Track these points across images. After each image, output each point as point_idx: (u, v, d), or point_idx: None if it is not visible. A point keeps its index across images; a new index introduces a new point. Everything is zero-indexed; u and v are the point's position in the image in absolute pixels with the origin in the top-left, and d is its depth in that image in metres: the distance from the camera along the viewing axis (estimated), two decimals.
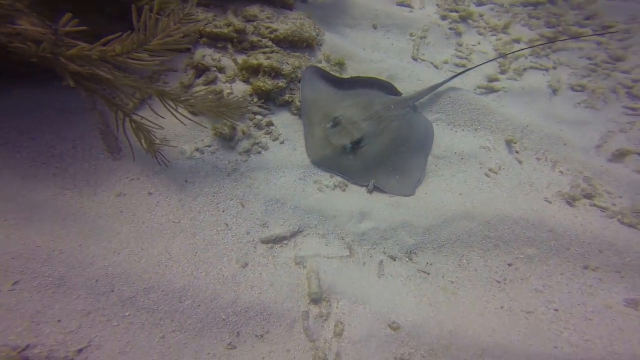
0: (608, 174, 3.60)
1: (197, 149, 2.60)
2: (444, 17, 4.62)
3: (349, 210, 2.65)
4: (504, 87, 4.18)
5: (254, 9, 3.22)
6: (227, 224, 2.40)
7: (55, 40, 1.80)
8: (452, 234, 2.75)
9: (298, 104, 2.95)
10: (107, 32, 2.39)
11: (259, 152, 2.76)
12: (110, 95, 2.13)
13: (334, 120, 2.81)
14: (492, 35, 4.84)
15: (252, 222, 2.47)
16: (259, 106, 2.89)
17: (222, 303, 2.05)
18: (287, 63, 2.91)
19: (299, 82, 3.01)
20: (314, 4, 3.80)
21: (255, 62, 2.81)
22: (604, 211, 3.31)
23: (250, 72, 2.88)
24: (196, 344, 1.95)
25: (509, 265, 2.76)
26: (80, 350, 1.69)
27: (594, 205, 3.34)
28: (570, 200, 3.29)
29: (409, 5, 4.54)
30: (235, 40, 3.06)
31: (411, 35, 4.20)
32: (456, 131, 3.54)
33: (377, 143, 2.86)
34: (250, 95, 2.88)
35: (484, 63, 4.11)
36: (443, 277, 2.60)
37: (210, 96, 2.20)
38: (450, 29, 4.48)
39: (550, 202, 3.22)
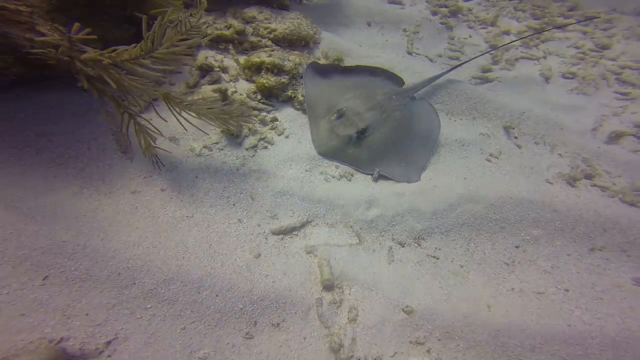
0: (605, 155, 3.68)
1: (205, 146, 2.66)
2: (434, 13, 4.76)
3: (356, 199, 2.71)
4: (498, 77, 4.29)
5: (252, 11, 3.32)
6: (238, 218, 2.46)
7: (70, 45, 1.88)
8: (459, 217, 2.80)
9: (301, 98, 3.03)
10: (115, 35, 2.50)
11: (266, 147, 2.83)
12: (120, 97, 2.20)
13: (338, 112, 2.90)
14: (482, 28, 5.00)
15: (262, 214, 2.53)
16: (263, 103, 2.96)
17: (238, 293, 2.10)
18: (289, 60, 2.99)
19: (301, 77, 3.09)
20: (309, 5, 3.90)
21: (257, 60, 2.89)
22: (604, 190, 3.38)
23: (253, 70, 2.96)
24: (216, 334, 1.98)
25: (516, 247, 2.80)
26: (108, 343, 1.74)
27: (595, 185, 3.42)
28: (571, 181, 3.36)
29: (400, 3, 4.66)
30: (236, 41, 3.15)
31: (404, 31, 4.31)
32: (455, 120, 3.62)
33: (381, 132, 2.94)
34: (254, 92, 2.95)
35: (482, 54, 4.21)
36: (452, 261, 2.64)
37: (213, 103, 2.26)
38: (441, 23, 4.61)
39: (552, 184, 3.29)
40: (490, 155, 3.38)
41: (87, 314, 1.76)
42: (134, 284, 1.91)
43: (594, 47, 5.06)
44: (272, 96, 3.04)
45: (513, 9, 5.52)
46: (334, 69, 3.27)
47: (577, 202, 3.11)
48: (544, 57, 4.77)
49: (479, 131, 3.58)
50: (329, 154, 2.88)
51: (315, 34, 3.48)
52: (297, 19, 3.39)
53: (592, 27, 5.38)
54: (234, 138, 2.78)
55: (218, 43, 3.13)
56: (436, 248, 2.69)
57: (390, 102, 3.09)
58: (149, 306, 1.90)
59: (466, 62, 3.94)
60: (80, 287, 1.83)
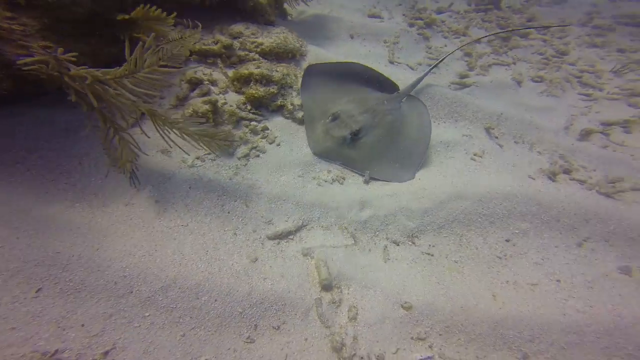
0: (579, 151, 3.88)
1: (198, 157, 2.69)
2: (411, 25, 5.07)
3: (349, 201, 2.76)
4: (475, 82, 4.53)
5: (239, 27, 3.43)
6: (234, 225, 2.47)
7: (57, 63, 1.93)
8: (449, 214, 2.88)
9: (290, 107, 3.12)
10: (103, 52, 2.55)
11: (258, 156, 2.88)
12: (107, 112, 2.23)
13: (333, 115, 3.03)
14: (455, 37, 5.36)
15: (257, 221, 2.55)
16: (253, 113, 3.03)
17: (237, 296, 2.09)
18: (276, 70, 3.09)
19: (290, 87, 3.19)
20: (294, 21, 4.07)
21: (246, 71, 2.98)
22: (582, 184, 3.54)
23: (242, 82, 3.05)
24: (216, 339, 1.96)
25: (506, 241, 2.88)
26: (106, 353, 1.70)
27: (573, 179, 3.58)
28: (552, 176, 3.51)
29: (379, 16, 4.91)
30: (224, 55, 3.24)
31: (385, 42, 4.53)
32: (439, 123, 3.77)
33: (374, 134, 3.07)
34: (244, 103, 3.02)
35: (452, 52, 4.45)
36: (446, 257, 2.70)
37: (197, 123, 2.27)
38: (418, 34, 4.88)
39: (534, 179, 3.43)
40: (474, 154, 3.51)
41: (83, 325, 1.73)
42: (131, 292, 1.88)
43: (555, 53, 5.52)
44: (261, 106, 3.12)
45: (480, 20, 6.01)
46: (331, 71, 3.41)
47: (559, 195, 3.25)
48: (514, 63, 5.11)
49: (462, 133, 3.73)
50: (323, 154, 2.98)
51: (301, 47, 3.61)
52: (283, 33, 3.52)
53: (550, 35, 5.91)
54: (226, 148, 2.81)
55: (206, 58, 3.22)
56: (430, 245, 2.75)
57: (383, 106, 3.25)
58: (147, 314, 1.87)
59: (442, 60, 4.15)
60: (75, 297, 1.79)
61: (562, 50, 5.57)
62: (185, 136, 2.19)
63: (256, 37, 3.41)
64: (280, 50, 3.41)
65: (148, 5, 2.34)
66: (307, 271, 2.38)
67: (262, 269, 2.28)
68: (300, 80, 3.34)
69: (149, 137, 2.44)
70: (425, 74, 3.78)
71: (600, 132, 4.19)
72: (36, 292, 1.75)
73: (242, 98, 3.06)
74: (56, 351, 1.61)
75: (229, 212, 2.53)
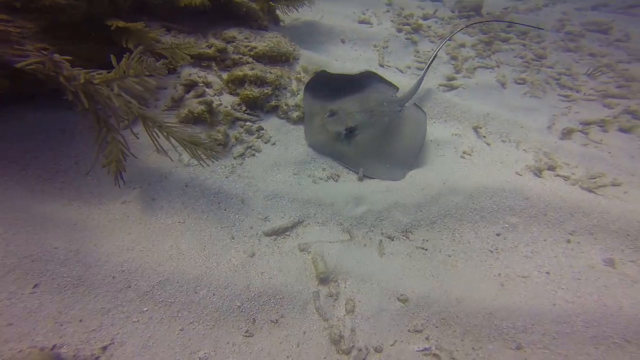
0: (562, 149, 4.02)
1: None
2: (399, 30, 5.24)
3: (344, 197, 2.82)
4: (462, 84, 4.68)
5: (232, 31, 3.51)
6: (230, 221, 2.49)
7: (53, 64, 1.96)
8: (441, 209, 2.95)
9: (284, 107, 3.18)
10: (99, 55, 2.59)
11: (253, 155, 2.92)
12: (103, 113, 2.25)
13: (330, 111, 3.12)
14: (441, 42, 5.51)
15: (254, 217, 2.58)
16: (248, 114, 3.08)
17: (235, 290, 2.10)
18: (270, 72, 3.16)
19: (284, 89, 3.26)
20: (286, 27, 4.17)
21: (240, 73, 3.04)
22: (566, 180, 3.67)
23: (237, 83, 3.10)
24: (215, 334, 1.97)
25: (497, 235, 2.95)
26: (105, 348, 1.69)
27: (557, 175, 3.70)
28: (537, 172, 3.63)
29: (369, 22, 5.07)
30: (218, 58, 3.30)
31: (375, 46, 4.67)
32: (429, 124, 3.87)
33: (369, 133, 3.14)
34: (239, 104, 3.08)
35: (438, 49, 4.57)
36: (440, 251, 2.75)
37: (185, 129, 2.29)
38: (406, 39, 5.04)
39: (521, 175, 3.54)
40: (463, 152, 3.61)
41: (81, 320, 1.72)
42: (129, 287, 1.88)
43: (534, 57, 5.80)
44: (256, 107, 3.17)
45: (464, 25, 6.19)
46: (335, 77, 3.49)
47: (545, 190, 3.35)
48: (497, 66, 5.33)
49: (451, 132, 3.84)
50: (317, 146, 3.06)
51: (294, 50, 3.70)
52: (276, 37, 3.60)
53: (528, 39, 6.25)
54: (222, 147, 2.85)
55: (201, 61, 3.27)
56: (424, 240, 2.80)
57: (381, 107, 3.33)
58: (145, 309, 1.87)
59: (432, 59, 4.22)
60: (73, 293, 1.79)
61: (540, 54, 5.86)
62: (172, 140, 2.21)
63: (250, 41, 3.48)
64: (274, 54, 3.49)
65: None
66: (304, 265, 2.40)
67: (259, 264, 2.30)
68: (293, 82, 3.41)
69: (138, 139, 2.47)
70: (422, 77, 3.86)
71: (580, 131, 4.37)
72: (33, 287, 1.74)
73: (236, 99, 3.12)
74: (54, 346, 1.60)
75: (225, 210, 2.55)
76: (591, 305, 2.52)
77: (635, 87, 5.22)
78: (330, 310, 2.25)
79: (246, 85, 3.07)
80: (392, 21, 5.36)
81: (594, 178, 3.66)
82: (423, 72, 3.91)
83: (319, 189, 2.84)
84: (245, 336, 2.02)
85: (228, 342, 1.97)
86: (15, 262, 1.78)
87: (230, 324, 2.02)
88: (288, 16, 4.47)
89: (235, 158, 2.86)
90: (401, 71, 4.50)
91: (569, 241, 3.02)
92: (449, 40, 4.87)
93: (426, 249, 2.75)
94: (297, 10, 4.28)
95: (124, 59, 1.98)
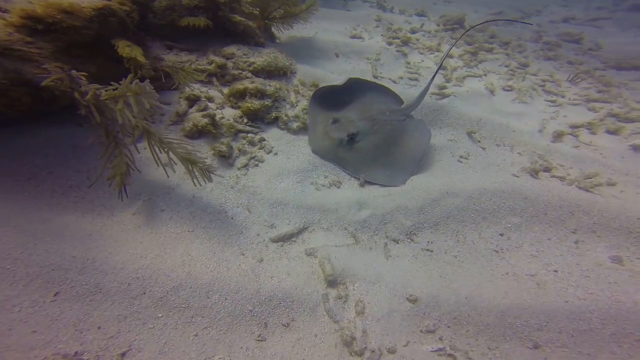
0: (555, 151, 4.16)
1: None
2: (389, 43, 5.51)
3: (347, 202, 2.88)
4: (453, 92, 4.86)
5: (231, 49, 3.65)
6: (238, 229, 2.53)
7: (70, 80, 2.06)
8: (443, 211, 3.02)
9: (285, 118, 3.28)
10: (110, 73, 2.69)
11: (257, 165, 2.99)
12: (111, 127, 2.32)
13: (333, 119, 3.23)
14: (430, 53, 5.84)
15: (260, 225, 2.62)
16: (250, 126, 3.17)
17: (246, 294, 2.13)
18: (270, 85, 3.28)
19: (283, 100, 3.38)
20: (282, 43, 4.33)
21: (241, 86, 3.15)
22: (562, 180, 3.77)
23: (238, 97, 3.21)
24: (228, 338, 1.98)
25: (500, 235, 3.00)
26: (123, 354, 1.71)
27: (553, 176, 3.81)
28: (534, 174, 3.73)
29: (360, 37, 5.29)
30: (219, 74, 3.42)
31: (368, 59, 4.86)
32: None
33: (371, 140, 3.23)
34: (241, 117, 3.17)
35: (444, 57, 4.77)
36: (446, 252, 2.78)
37: (186, 147, 2.34)
38: (397, 51, 5.27)
39: (518, 177, 3.64)
40: (460, 157, 3.72)
41: (99, 327, 1.75)
42: (144, 293, 1.91)
43: (518, 65, 6.09)
44: (257, 119, 3.27)
45: (450, 38, 6.60)
46: (340, 88, 3.62)
47: (543, 190, 3.44)
48: (485, 75, 5.55)
49: (447, 138, 3.97)
50: (320, 152, 3.15)
51: (291, 64, 3.84)
52: (273, 53, 3.75)
53: (510, 49, 6.60)
54: (226, 159, 2.93)
55: (198, 79, 3.37)
56: (428, 242, 2.85)
57: (383, 116, 3.44)
58: (160, 315, 1.89)
59: (438, 68, 4.37)
60: (91, 300, 1.83)
61: (524, 62, 6.15)
62: (172, 155, 2.28)
63: (248, 57, 3.62)
64: (272, 68, 3.62)
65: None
66: (312, 269, 2.44)
67: (268, 269, 2.33)
68: (292, 94, 3.53)
69: (139, 153, 2.54)
70: (426, 88, 3.95)
71: (570, 134, 4.53)
72: (54, 295, 1.79)
73: (238, 112, 3.21)
74: (76, 353, 1.63)
75: (232, 218, 2.59)
76: (605, 302, 2.51)
77: (613, 91, 5.47)
78: (340, 312, 2.27)
79: (247, 98, 3.18)
80: (382, 35, 5.62)
81: (590, 178, 3.76)
82: (427, 83, 4.00)
83: (322, 196, 2.91)
84: (258, 340, 2.03)
85: (242, 347, 1.97)
86: (37, 271, 1.83)
87: (243, 328, 2.03)
88: (283, 33, 4.66)
89: (239, 169, 2.92)
90: (394, 82, 4.67)
91: (576, 242, 3.02)
92: (455, 46, 5.07)
93: (431, 251, 2.79)
94: (291, 27, 4.46)
95: (124, 81, 2.08)
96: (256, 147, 3.11)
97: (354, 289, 2.41)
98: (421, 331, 2.26)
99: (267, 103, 3.22)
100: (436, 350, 2.18)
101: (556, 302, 2.47)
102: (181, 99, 3.11)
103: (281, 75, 3.74)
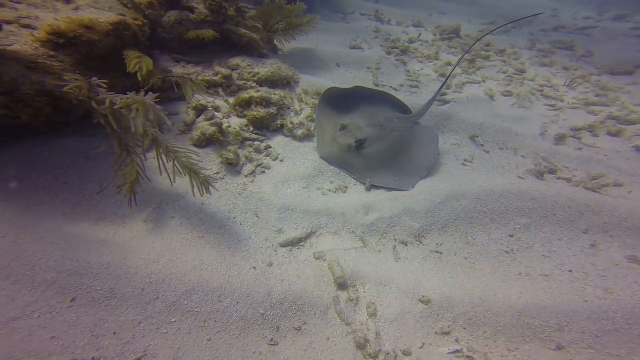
0: (558, 153, 4.17)
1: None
2: (389, 52, 5.65)
3: (353, 206, 2.89)
4: (453, 98, 4.94)
5: (235, 60, 3.74)
6: (247, 234, 2.55)
7: (89, 88, 2.13)
8: (451, 212, 3.01)
9: (290, 126, 3.33)
10: (123, 83, 2.78)
11: (263, 172, 3.02)
12: (124, 136, 2.37)
13: (341, 125, 3.28)
14: (428, 61, 5.96)
15: (268, 230, 2.63)
16: (256, 133, 3.22)
17: (257, 298, 2.12)
18: (274, 93, 3.34)
19: (288, 108, 3.43)
20: (284, 54, 4.44)
21: (247, 95, 3.21)
22: (569, 181, 3.77)
23: (243, 105, 3.27)
24: (241, 343, 1.96)
25: (510, 236, 2.97)
26: None
27: (559, 177, 3.82)
28: (539, 175, 3.74)
29: (360, 48, 5.42)
30: (224, 84, 3.49)
31: (368, 68, 4.96)
32: None
33: (379, 146, 3.27)
34: (246, 125, 3.22)
35: (455, 66, 4.84)
36: (455, 254, 2.76)
37: (190, 157, 2.36)
38: (397, 60, 5.38)
39: (524, 178, 3.65)
40: (464, 160, 3.75)
41: (114, 333, 1.75)
42: (157, 298, 1.91)
43: (515, 71, 6.21)
44: (262, 127, 3.32)
45: (447, 46, 6.79)
46: (347, 93, 3.67)
47: (549, 190, 3.42)
48: (483, 81, 5.64)
49: (450, 142, 4.01)
50: (329, 158, 3.19)
51: (294, 74, 3.92)
52: (276, 63, 3.84)
53: (506, 57, 6.75)
54: (233, 166, 2.96)
55: (208, 88, 3.45)
56: (437, 244, 2.83)
57: (391, 123, 3.48)
58: (174, 320, 1.88)
59: (447, 78, 4.46)
60: (106, 305, 1.84)
61: (520, 68, 6.28)
62: (177, 164, 2.31)
63: (252, 68, 3.70)
64: (275, 78, 3.70)
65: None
66: (322, 272, 2.43)
67: (278, 272, 2.33)
68: (296, 102, 3.60)
69: (145, 159, 2.56)
70: (434, 96, 4.01)
71: (572, 136, 4.56)
72: (70, 301, 1.80)
73: (244, 121, 3.27)
74: (92, 358, 1.63)
75: (240, 224, 2.61)
76: (627, 301, 2.43)
77: (611, 95, 5.54)
78: (352, 314, 2.25)
79: (252, 106, 3.24)
80: (381, 45, 5.76)
81: (596, 179, 3.76)
82: (436, 92, 4.06)
83: (329, 200, 2.92)
84: (270, 344, 2.01)
85: (254, 352, 1.95)
86: (54, 277, 1.85)
87: (255, 332, 2.02)
88: (284, 45, 4.78)
89: (246, 176, 2.95)
90: (395, 89, 4.75)
91: (593, 245, 2.97)
92: (468, 53, 5.15)
93: (441, 253, 2.77)
94: (294, 38, 4.58)
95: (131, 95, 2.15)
96: (262, 154, 3.15)
97: (364, 291, 2.39)
98: (436, 333, 2.23)
99: (272, 111, 3.27)
100: (453, 352, 2.14)
101: (575, 302, 2.41)
102: (189, 109, 3.17)
103: (285, 85, 3.81)
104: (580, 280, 2.63)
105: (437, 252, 2.77)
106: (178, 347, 1.80)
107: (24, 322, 1.68)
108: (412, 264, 2.65)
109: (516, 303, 2.36)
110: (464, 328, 2.26)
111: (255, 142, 3.19)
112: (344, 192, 3.07)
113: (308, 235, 2.69)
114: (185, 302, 1.95)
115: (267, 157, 3.15)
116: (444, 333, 2.23)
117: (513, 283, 2.57)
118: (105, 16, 2.64)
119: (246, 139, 3.19)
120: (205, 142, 2.97)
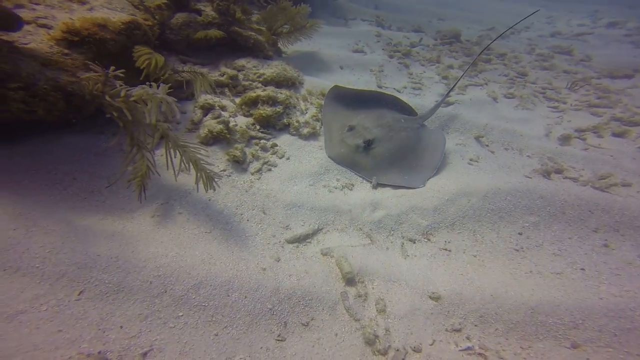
0: (564, 154, 4.15)
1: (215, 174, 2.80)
2: (391, 56, 5.74)
3: (361, 203, 2.87)
4: (457, 100, 4.95)
5: (241, 61, 3.77)
6: (254, 231, 2.53)
7: (105, 80, 2.15)
8: (459, 210, 2.98)
9: (296, 124, 3.34)
10: (134, 83, 2.78)
11: (270, 170, 3.02)
12: (135, 131, 2.38)
13: (349, 126, 3.30)
14: (430, 65, 6.02)
15: (275, 226, 2.61)
16: (262, 132, 3.22)
17: (266, 292, 2.09)
18: (281, 93, 3.36)
19: (294, 107, 3.45)
20: (288, 57, 4.48)
21: (254, 94, 3.23)
22: (576, 181, 3.74)
23: (250, 104, 3.28)
24: (248, 338, 1.93)
25: (519, 234, 2.93)
26: (145, 354, 1.68)
27: (566, 177, 3.79)
28: (546, 175, 3.72)
29: (362, 51, 5.48)
30: (230, 85, 3.52)
31: (371, 70, 5.00)
32: None
33: (386, 147, 3.28)
34: (253, 124, 3.23)
35: (464, 73, 4.90)
36: (464, 252, 2.73)
37: (198, 151, 2.38)
38: (399, 63, 5.43)
39: (531, 178, 3.62)
40: (470, 160, 3.73)
41: (121, 327, 1.73)
42: (165, 291, 1.88)
43: (517, 74, 6.25)
44: (269, 126, 3.33)
45: (448, 50, 6.88)
46: (352, 94, 3.70)
47: (558, 189, 3.38)
48: (486, 84, 5.68)
49: (455, 142, 4.00)
50: (337, 158, 3.19)
51: (299, 76, 3.95)
52: (282, 64, 3.87)
53: (507, 61, 6.84)
54: (240, 164, 2.95)
55: (215, 88, 3.47)
56: (446, 241, 2.80)
57: (398, 124, 3.50)
58: (181, 314, 1.85)
59: (456, 82, 4.52)
60: (114, 299, 1.82)
61: (522, 72, 6.33)
62: (184, 159, 2.32)
63: (258, 69, 3.73)
64: (281, 79, 3.72)
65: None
66: (330, 268, 2.40)
67: (286, 267, 2.31)
68: (301, 102, 3.61)
69: (155, 153, 2.60)
70: (443, 99, 4.09)
71: (578, 137, 4.55)
72: (79, 294, 1.79)
73: (250, 120, 3.28)
74: (99, 352, 1.61)
75: (248, 220, 2.59)
76: None
77: (613, 97, 5.55)
78: (361, 310, 2.21)
79: (259, 105, 3.25)
80: (383, 49, 5.84)
81: (604, 178, 3.73)
82: (444, 96, 4.09)
83: (336, 197, 2.91)
84: (278, 340, 1.98)
85: (262, 347, 1.92)
86: (64, 270, 1.84)
87: (262, 327, 1.98)
88: (288, 48, 4.83)
89: (252, 173, 2.95)
90: (398, 91, 4.78)
91: (605, 243, 2.93)
92: (478, 55, 5.19)
93: (450, 250, 2.74)
94: (299, 40, 4.63)
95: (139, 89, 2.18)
96: (269, 153, 3.15)
97: (373, 288, 2.36)
98: (447, 330, 2.18)
99: (278, 110, 3.28)
100: (465, 349, 2.10)
101: (589, 299, 2.35)
102: (196, 108, 3.19)
103: (290, 86, 3.84)
104: (593, 279, 2.58)
105: (446, 249, 2.74)
106: (185, 342, 1.77)
107: (32, 315, 1.66)
108: (420, 261, 2.62)
109: (529, 300, 2.32)
110: (475, 325, 2.22)
111: (262, 141, 3.20)
112: (351, 189, 3.06)
113: (315, 232, 2.67)
114: (193, 296, 1.92)
115: (273, 155, 3.15)
116: (455, 330, 2.18)
117: (524, 281, 2.52)
118: (117, 16, 2.70)
119: (253, 137, 3.19)
120: (213, 140, 2.98)
